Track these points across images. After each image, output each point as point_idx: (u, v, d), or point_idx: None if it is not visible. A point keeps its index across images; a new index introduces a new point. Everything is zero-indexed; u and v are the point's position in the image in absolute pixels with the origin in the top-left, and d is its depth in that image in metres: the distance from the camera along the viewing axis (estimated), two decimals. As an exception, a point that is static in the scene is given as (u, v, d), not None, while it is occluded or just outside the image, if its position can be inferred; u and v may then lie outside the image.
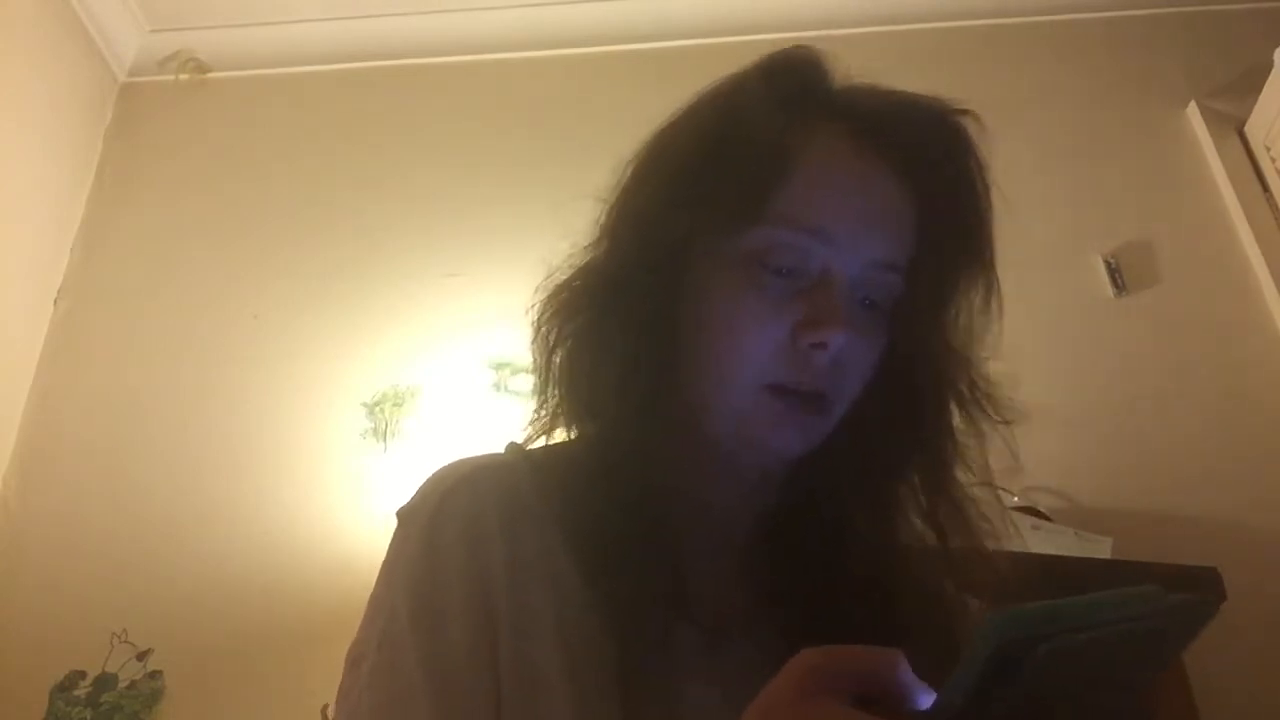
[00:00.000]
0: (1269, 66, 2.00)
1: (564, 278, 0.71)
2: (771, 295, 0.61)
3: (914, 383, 0.66)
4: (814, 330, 0.60)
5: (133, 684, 1.73)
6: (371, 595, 0.64)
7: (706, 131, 0.66)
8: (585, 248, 0.71)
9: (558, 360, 0.68)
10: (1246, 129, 2.11)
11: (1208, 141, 2.11)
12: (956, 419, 0.67)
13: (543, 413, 0.69)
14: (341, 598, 1.74)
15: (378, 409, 1.94)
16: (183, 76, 2.37)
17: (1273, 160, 2.05)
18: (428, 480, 0.66)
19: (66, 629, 1.79)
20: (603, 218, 0.71)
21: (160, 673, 1.74)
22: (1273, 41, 1.99)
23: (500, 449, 0.69)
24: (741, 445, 0.64)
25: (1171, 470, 1.77)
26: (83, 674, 1.74)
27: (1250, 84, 2.08)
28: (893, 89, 0.67)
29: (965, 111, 0.66)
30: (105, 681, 1.73)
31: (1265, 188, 2.05)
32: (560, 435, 0.70)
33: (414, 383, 1.97)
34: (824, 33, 2.22)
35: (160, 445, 1.96)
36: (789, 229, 0.61)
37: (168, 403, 2.00)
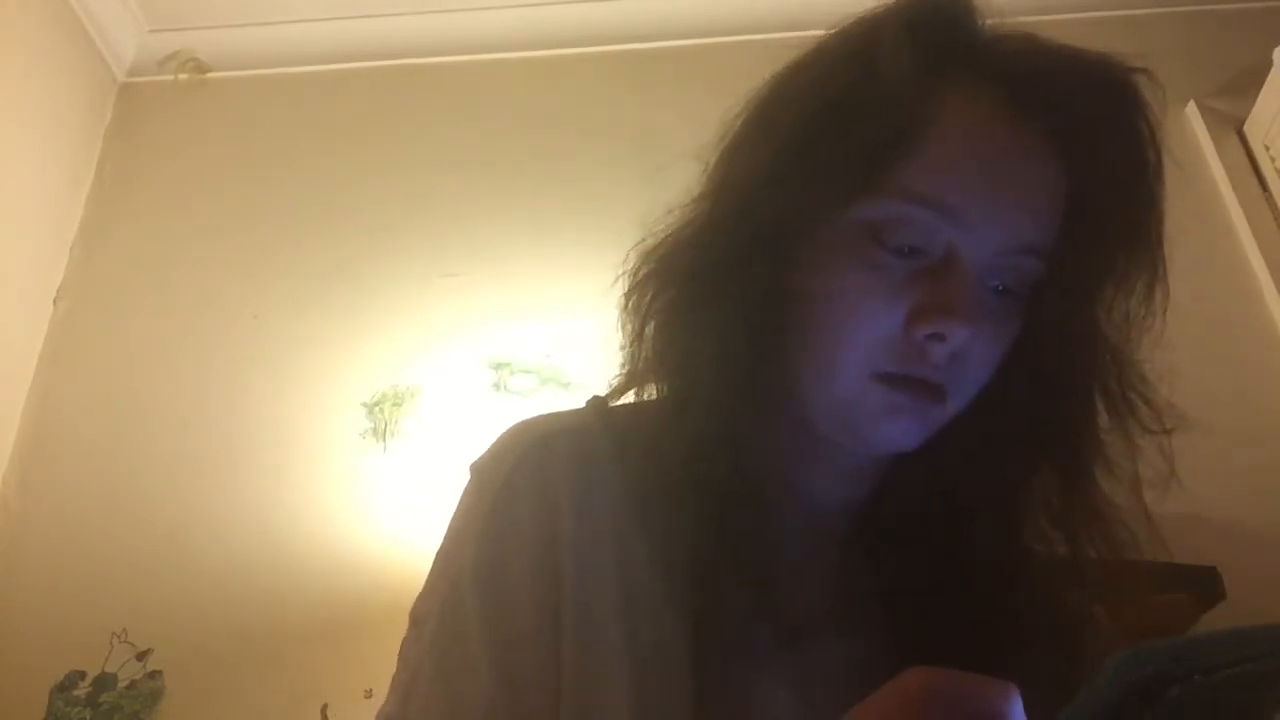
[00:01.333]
0: (1268, 66, 2.00)
1: (661, 239, 0.63)
2: (888, 276, 0.54)
3: (1056, 375, 0.59)
4: (931, 320, 0.53)
5: (132, 684, 1.73)
6: (439, 550, 0.61)
7: (829, 84, 0.58)
8: (685, 206, 0.63)
9: (650, 326, 0.62)
10: (1246, 128, 2.11)
11: (1207, 141, 2.11)
12: (1104, 419, 0.59)
13: (629, 373, 0.64)
14: (342, 598, 1.74)
15: (378, 409, 1.94)
16: (182, 76, 2.37)
17: (1272, 160, 2.04)
18: (503, 435, 0.63)
19: (66, 629, 1.79)
20: (711, 165, 0.63)
21: (160, 673, 1.74)
22: (1272, 41, 1.99)
23: (582, 404, 0.65)
24: (846, 435, 0.58)
25: (1177, 458, 1.77)
26: (82, 674, 1.74)
27: (1249, 83, 2.08)
28: (1052, 42, 0.59)
29: (1139, 70, 0.57)
30: (105, 681, 1.73)
31: (1265, 187, 2.05)
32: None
33: (414, 383, 1.97)
34: (823, 33, 2.22)
35: (160, 445, 1.96)
36: (915, 203, 0.54)
37: (168, 403, 2.00)
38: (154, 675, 1.74)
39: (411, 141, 2.27)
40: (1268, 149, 2.06)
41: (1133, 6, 2.31)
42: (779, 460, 0.62)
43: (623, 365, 0.65)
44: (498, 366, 1.95)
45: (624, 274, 0.64)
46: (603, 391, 0.67)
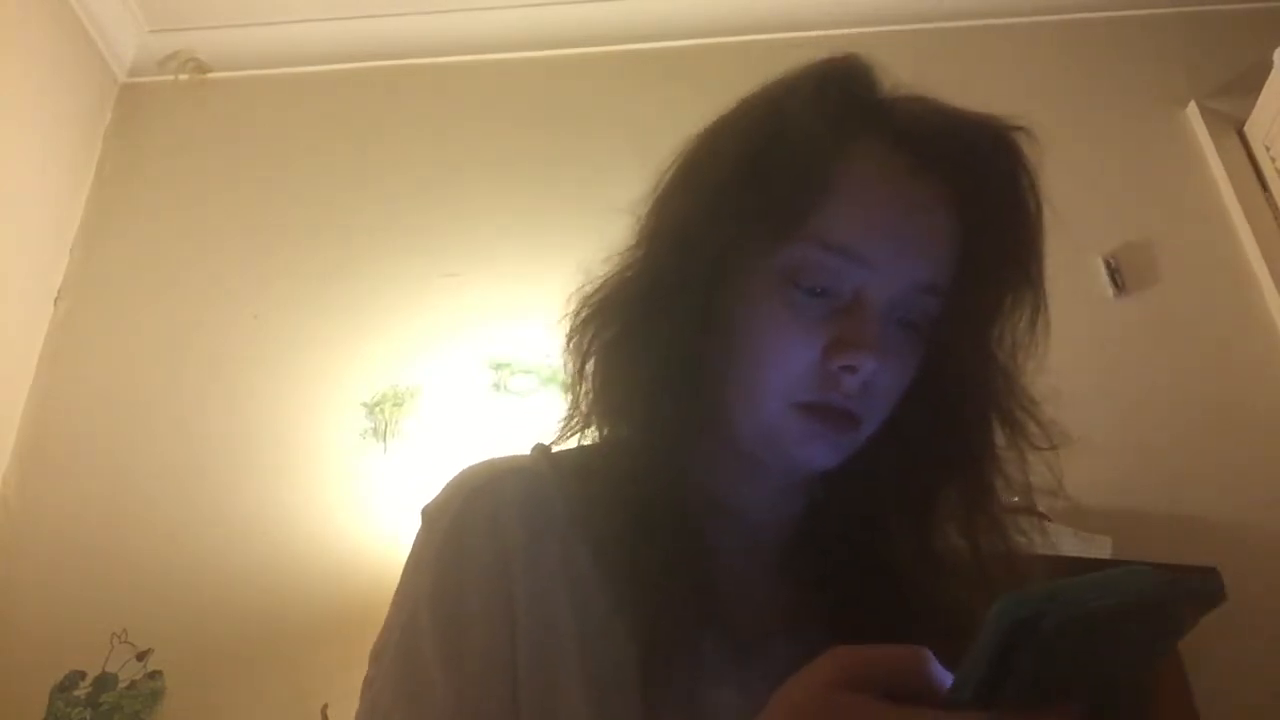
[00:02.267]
0: (1269, 66, 2.00)
1: (600, 283, 0.69)
2: (804, 314, 0.61)
3: (955, 400, 0.65)
4: (844, 353, 0.59)
5: (133, 684, 1.73)
6: (395, 591, 0.64)
7: (750, 141, 0.64)
8: (622, 253, 0.69)
9: (590, 367, 0.68)
10: (1246, 129, 2.12)
11: (1207, 141, 2.11)
12: (999, 438, 0.66)
13: (573, 417, 0.69)
14: (341, 597, 1.74)
15: (378, 409, 1.94)
16: (183, 76, 2.37)
17: (1272, 160, 2.05)
18: (453, 480, 0.66)
19: (66, 629, 1.79)
20: (641, 222, 0.69)
21: (160, 673, 1.74)
22: (1272, 41, 1.99)
23: (525, 449, 0.69)
24: (771, 456, 0.63)
25: (1171, 470, 1.77)
26: (83, 674, 1.74)
27: (1250, 84, 2.08)
28: (944, 104, 0.65)
29: (1018, 128, 0.64)
30: (105, 681, 1.73)
31: (1265, 188, 2.05)
32: (585, 439, 0.70)
33: (414, 383, 1.97)
34: (824, 33, 2.22)
35: (160, 445, 1.96)
36: (823, 249, 0.60)
37: (168, 402, 2.01)
38: (154, 675, 1.74)
39: (411, 141, 2.27)
40: (1268, 149, 2.06)
41: (1133, 7, 2.31)
42: (715, 482, 0.67)
43: (567, 410, 0.69)
44: (498, 366, 1.95)
45: (565, 317, 0.69)
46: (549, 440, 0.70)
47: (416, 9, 2.38)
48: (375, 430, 1.93)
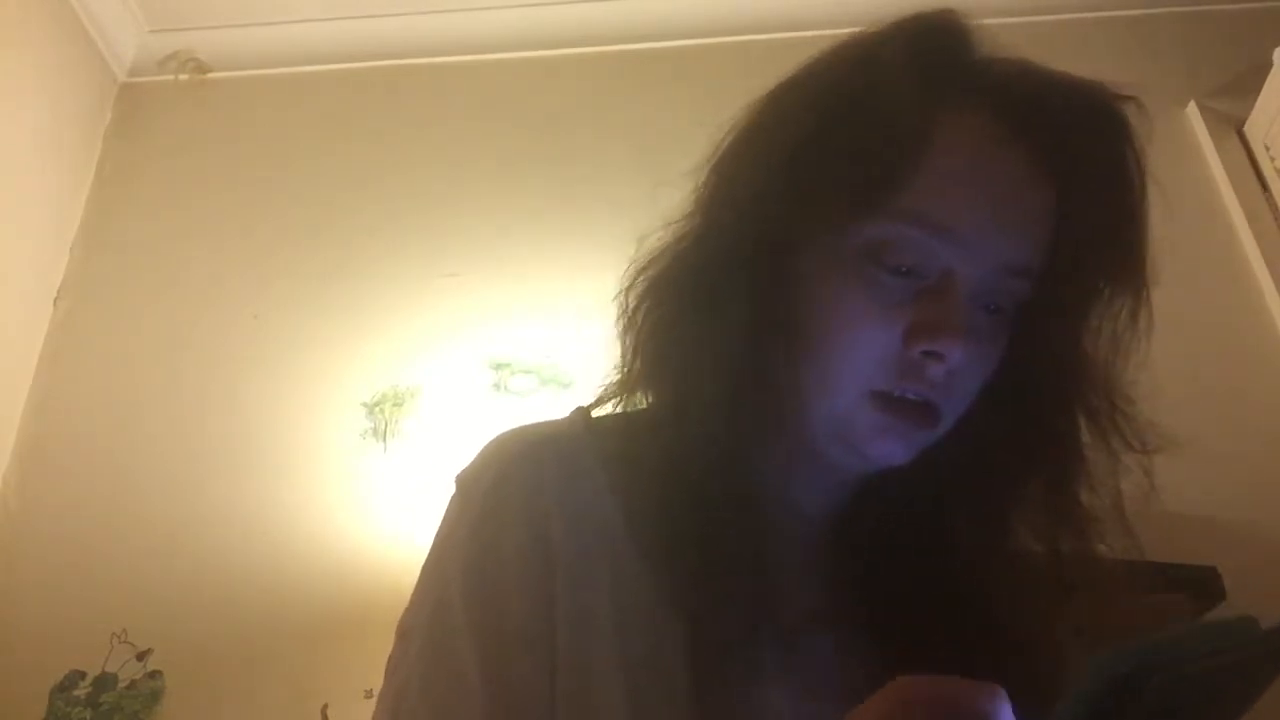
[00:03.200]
0: (1268, 66, 2.00)
1: (655, 254, 0.64)
2: (886, 295, 0.56)
3: (1042, 395, 0.60)
4: (930, 338, 0.55)
5: (133, 684, 1.73)
6: (425, 563, 0.61)
7: (833, 101, 0.58)
8: (679, 222, 0.64)
9: (643, 339, 0.63)
10: (1246, 129, 2.11)
11: (1207, 141, 2.11)
12: (1087, 438, 0.61)
13: (618, 385, 0.64)
14: (342, 597, 1.74)
15: (378, 409, 1.94)
16: (183, 76, 2.37)
17: (1272, 160, 2.04)
18: (488, 446, 0.62)
19: (66, 629, 1.79)
20: (700, 188, 0.64)
21: (160, 673, 1.74)
22: (1272, 41, 1.99)
23: (566, 414, 0.65)
24: (839, 450, 0.59)
25: (1171, 470, 1.77)
26: (83, 674, 1.74)
27: (1250, 84, 2.08)
28: (1044, 68, 0.60)
29: (1128, 98, 0.59)
30: (105, 681, 1.73)
31: (1265, 188, 2.05)
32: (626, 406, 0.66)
33: (414, 383, 1.96)
34: (824, 33, 2.21)
35: (160, 445, 1.96)
36: (914, 225, 0.55)
37: (168, 402, 2.00)
38: (154, 675, 1.74)
39: (411, 141, 2.27)
40: (1268, 149, 2.06)
41: (1133, 6, 2.31)
42: (769, 472, 0.62)
43: (612, 375, 0.65)
44: (498, 366, 1.95)
45: (621, 288, 0.65)
46: (589, 400, 0.67)
47: (416, 9, 2.38)
48: (375, 430, 1.93)
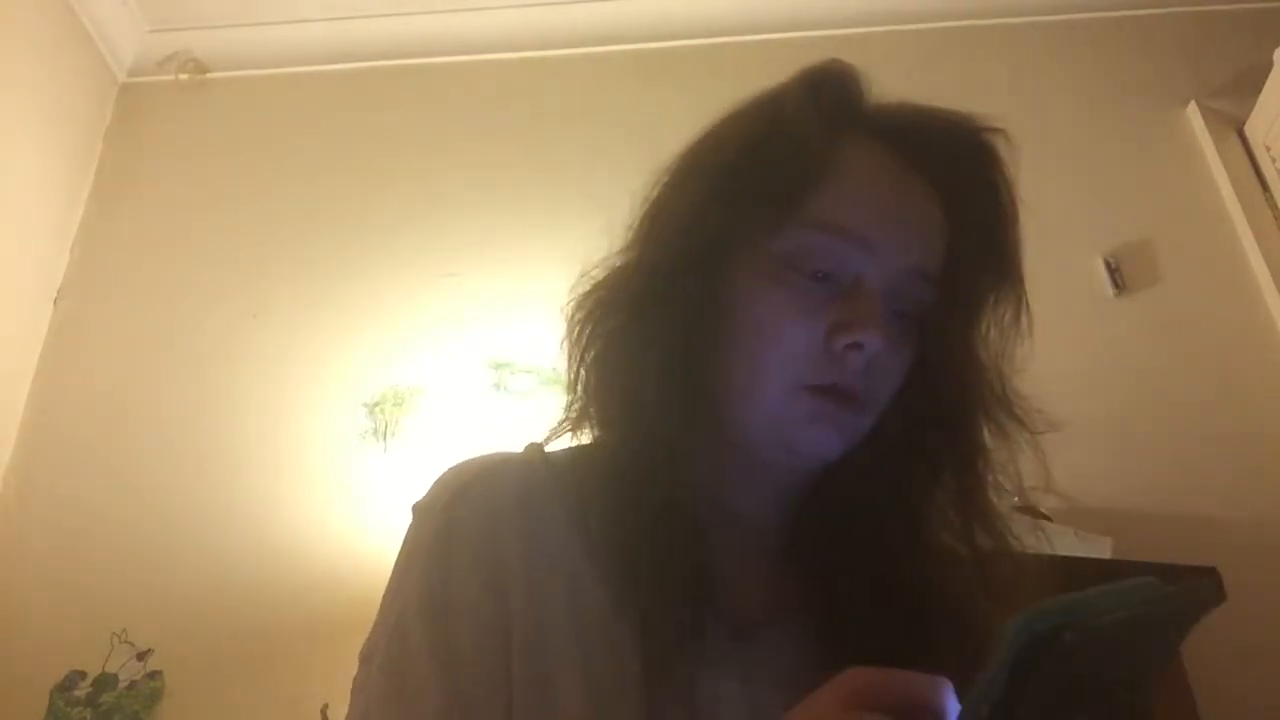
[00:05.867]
0: (1269, 66, 2.01)
1: (599, 278, 0.70)
2: (806, 299, 0.61)
3: (944, 396, 0.66)
4: (849, 331, 0.60)
5: (133, 684, 1.73)
6: (385, 589, 0.63)
7: (748, 132, 0.66)
8: (620, 250, 0.70)
9: (589, 359, 0.68)
10: (1246, 129, 2.12)
11: (1208, 141, 2.11)
12: (987, 433, 0.67)
13: (569, 413, 0.69)
14: (342, 597, 1.74)
15: (378, 409, 1.94)
16: (182, 76, 2.37)
17: (1273, 160, 2.05)
18: (443, 474, 0.66)
19: (66, 629, 1.79)
20: (638, 220, 0.70)
21: (160, 673, 1.74)
22: (1273, 41, 1.99)
23: (518, 448, 0.68)
24: (777, 447, 0.63)
25: (1171, 470, 1.77)
26: (83, 674, 1.74)
27: (1250, 84, 2.08)
28: (925, 106, 0.67)
29: (996, 130, 0.66)
30: (105, 681, 1.73)
31: (1265, 188, 2.05)
32: (579, 439, 0.70)
33: (414, 383, 1.97)
34: (824, 33, 2.22)
35: (160, 445, 1.96)
36: (825, 233, 0.61)
37: (168, 403, 2.00)
38: (154, 675, 1.74)
39: (411, 141, 2.27)
40: (1268, 149, 2.06)
41: (1133, 7, 2.31)
42: (714, 482, 0.66)
43: (565, 410, 0.69)
44: (498, 366, 1.95)
45: (565, 314, 0.69)
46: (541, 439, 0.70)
47: (416, 9, 2.38)
48: (375, 430, 1.93)
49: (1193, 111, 2.15)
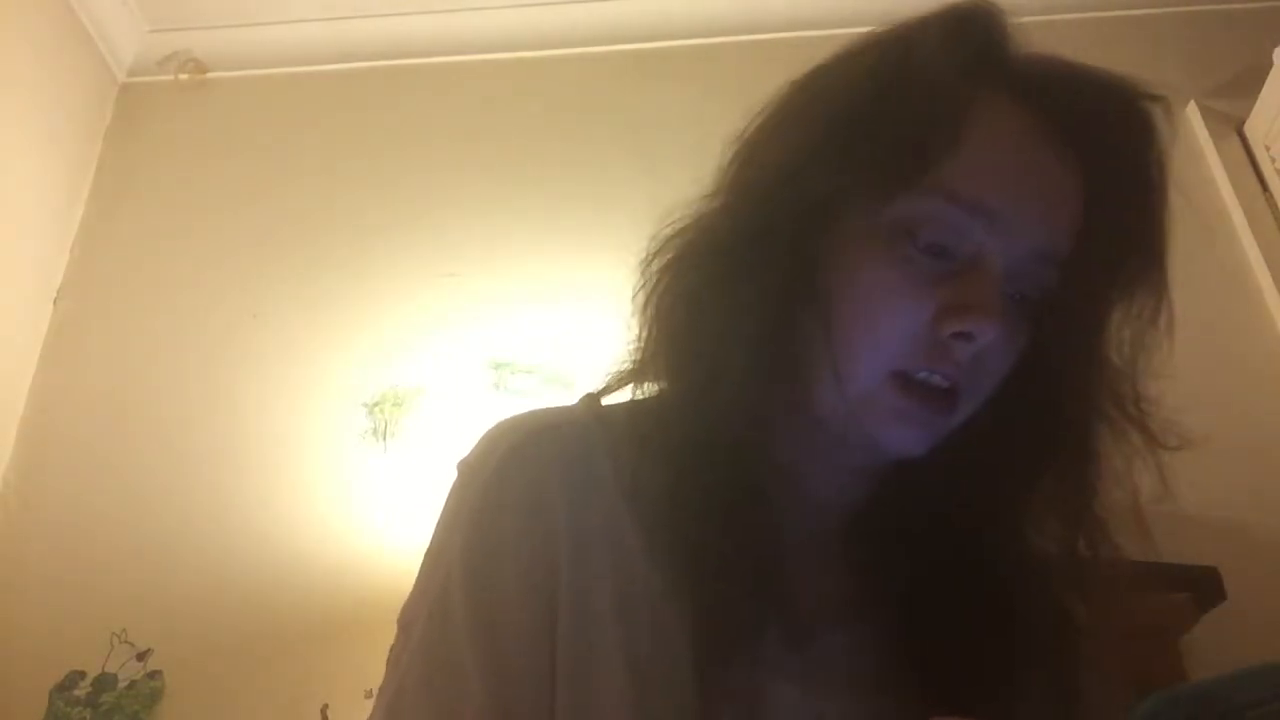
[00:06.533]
0: (1268, 66, 2.00)
1: (679, 227, 0.63)
2: (916, 273, 0.55)
3: (1061, 396, 0.59)
4: (960, 319, 0.53)
5: (132, 684, 1.73)
6: (427, 552, 0.60)
7: (872, 79, 0.58)
8: (704, 198, 0.63)
9: (663, 313, 0.61)
10: (1246, 128, 2.11)
11: (1207, 141, 2.11)
12: (1107, 436, 0.60)
13: (629, 368, 0.63)
14: (341, 597, 1.74)
15: (378, 409, 1.94)
16: (182, 76, 2.37)
17: (1272, 160, 2.04)
18: (491, 432, 0.62)
19: (66, 629, 1.79)
20: (729, 163, 0.63)
21: (160, 673, 1.74)
22: (1272, 41, 1.99)
23: (574, 401, 0.64)
24: (854, 434, 0.57)
25: (1171, 470, 1.77)
26: (82, 674, 1.74)
27: (1250, 83, 2.08)
28: (1077, 63, 0.60)
29: (1157, 97, 0.58)
30: (105, 681, 1.73)
31: (1265, 187, 2.05)
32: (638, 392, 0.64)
33: (414, 383, 1.96)
34: (824, 32, 2.22)
35: (160, 445, 1.96)
36: (950, 202, 0.54)
37: (168, 403, 2.00)
38: (154, 675, 1.74)
39: (411, 141, 2.27)
40: (1268, 149, 2.06)
41: (1133, 6, 2.31)
42: (786, 458, 0.61)
43: (625, 359, 0.64)
44: (498, 366, 1.95)
45: (641, 262, 0.63)
46: (597, 388, 0.66)
47: (416, 9, 2.38)
48: (375, 430, 1.92)
49: (1192, 111, 2.15)
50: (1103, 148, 0.57)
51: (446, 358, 1.98)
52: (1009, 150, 0.56)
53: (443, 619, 0.55)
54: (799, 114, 0.61)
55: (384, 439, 1.91)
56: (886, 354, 0.55)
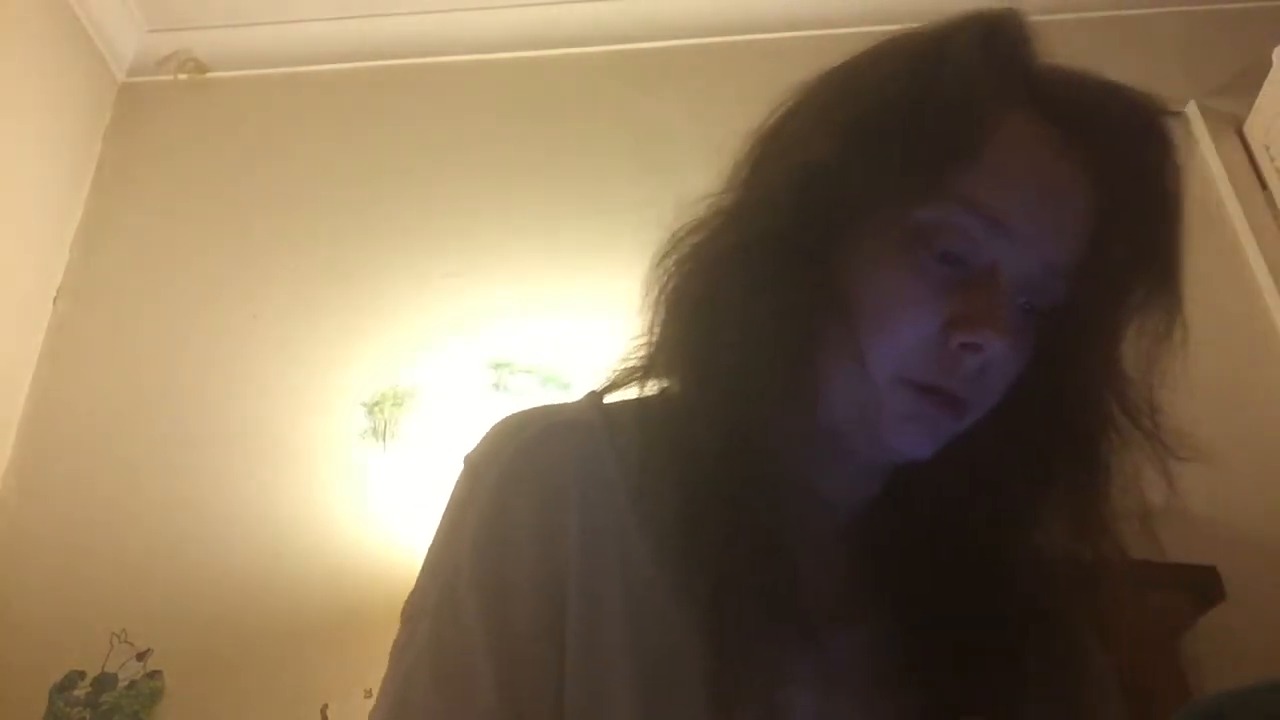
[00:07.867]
0: (1268, 66, 2.00)
1: (696, 225, 0.62)
2: (929, 280, 0.55)
3: (1072, 406, 0.60)
4: (970, 328, 0.54)
5: (132, 684, 1.73)
6: (432, 545, 0.60)
7: (901, 84, 0.57)
8: (720, 195, 0.63)
9: (678, 311, 0.61)
10: (1245, 129, 2.11)
11: (1207, 141, 2.11)
12: (1114, 445, 0.61)
13: (635, 365, 0.63)
14: (341, 597, 1.74)
15: (378, 409, 1.94)
16: (182, 76, 2.37)
17: (1272, 160, 2.04)
18: (499, 427, 0.61)
19: (66, 629, 1.79)
20: (748, 159, 0.63)
21: (160, 673, 1.74)
22: (1272, 41, 1.99)
23: (578, 399, 0.64)
24: (862, 436, 0.58)
25: (1171, 470, 1.77)
26: (82, 674, 1.74)
27: (1249, 84, 2.07)
28: (1096, 76, 0.60)
29: (1175, 114, 0.60)
30: (105, 681, 1.73)
31: (1265, 187, 2.05)
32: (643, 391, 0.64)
33: (414, 383, 1.96)
34: (824, 32, 2.22)
35: (160, 445, 1.96)
36: (969, 212, 0.55)
37: (167, 402, 2.00)
38: (154, 675, 1.74)
39: (412, 141, 2.27)
40: (1268, 149, 2.06)
41: (1133, 6, 2.31)
42: (792, 457, 0.61)
43: (630, 356, 0.64)
44: (498, 366, 1.95)
45: (657, 258, 0.63)
46: (601, 385, 0.66)
47: (416, 9, 2.38)
48: (375, 430, 1.93)
49: (1192, 111, 2.14)
50: (1122, 165, 0.58)
51: (446, 358, 1.98)
52: (1030, 161, 0.56)
53: (452, 616, 0.55)
54: (825, 114, 0.60)
55: (384, 439, 1.91)
56: (896, 360, 0.55)
